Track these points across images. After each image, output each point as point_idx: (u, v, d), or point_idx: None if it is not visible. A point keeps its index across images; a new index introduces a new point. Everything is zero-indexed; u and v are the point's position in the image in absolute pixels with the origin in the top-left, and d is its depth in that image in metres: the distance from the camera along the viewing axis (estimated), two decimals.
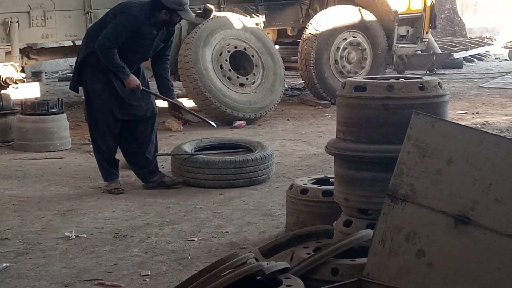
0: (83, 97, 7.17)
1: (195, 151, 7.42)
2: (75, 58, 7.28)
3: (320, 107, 12.53)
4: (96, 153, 7.21)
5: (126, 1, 7.10)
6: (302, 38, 12.77)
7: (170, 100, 7.17)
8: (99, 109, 6.95)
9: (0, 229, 5.92)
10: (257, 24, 11.92)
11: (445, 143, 3.41)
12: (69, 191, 7.19)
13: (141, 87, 6.90)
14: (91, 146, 7.41)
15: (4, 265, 5.04)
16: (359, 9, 12.84)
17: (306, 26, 12.72)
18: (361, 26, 12.81)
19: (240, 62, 11.33)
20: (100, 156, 7.14)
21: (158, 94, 7.19)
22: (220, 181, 7.12)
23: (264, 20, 12.48)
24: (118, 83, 6.86)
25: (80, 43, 12.87)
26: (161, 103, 7.76)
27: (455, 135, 3.40)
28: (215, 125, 7.62)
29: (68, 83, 17.06)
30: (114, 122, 6.99)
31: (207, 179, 7.11)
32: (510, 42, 20.82)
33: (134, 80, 6.83)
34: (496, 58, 21.07)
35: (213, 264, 3.71)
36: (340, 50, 12.72)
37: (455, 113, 11.32)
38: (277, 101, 11.41)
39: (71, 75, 7.29)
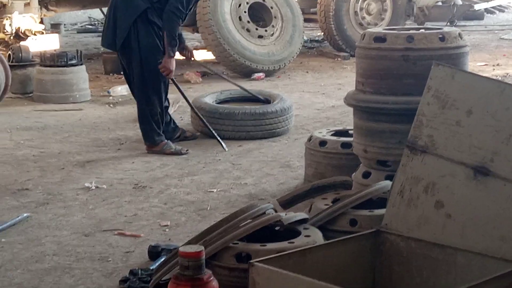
0: (131, 55, 6.60)
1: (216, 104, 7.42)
2: (107, 13, 6.87)
3: (339, 59, 12.48)
4: (148, 116, 6.68)
5: None
6: None
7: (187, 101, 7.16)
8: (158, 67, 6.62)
9: (21, 180, 5.97)
10: None
11: (465, 94, 3.38)
12: (89, 142, 7.22)
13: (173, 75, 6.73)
14: (141, 108, 6.73)
15: (25, 215, 5.09)
16: None
17: None
18: None
19: (259, 13, 11.26)
20: (153, 118, 6.68)
21: (182, 91, 7.14)
22: (239, 133, 7.12)
23: None
24: None
25: None
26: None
27: (475, 86, 3.38)
28: (226, 149, 6.82)
29: (88, 34, 17.02)
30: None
31: (226, 130, 7.10)
32: None
33: (174, 64, 6.61)
34: None
35: (232, 215, 3.73)
36: (359, 1, 12.63)
37: (475, 65, 11.24)
38: (296, 53, 11.36)
39: (106, 31, 6.77)
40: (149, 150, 6.75)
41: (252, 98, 7.65)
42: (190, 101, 7.19)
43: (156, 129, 6.72)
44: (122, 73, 10.90)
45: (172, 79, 6.80)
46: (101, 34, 17.59)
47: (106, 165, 6.41)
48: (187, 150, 6.74)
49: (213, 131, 6.92)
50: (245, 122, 7.13)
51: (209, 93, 7.71)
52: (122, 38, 6.56)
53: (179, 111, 8.23)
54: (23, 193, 5.64)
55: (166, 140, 6.76)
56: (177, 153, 6.67)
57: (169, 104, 7.02)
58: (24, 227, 4.90)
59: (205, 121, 7.00)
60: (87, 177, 6.01)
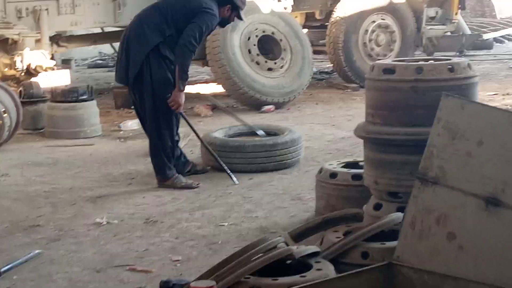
0: (142, 89, 6.62)
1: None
2: (120, 47, 6.83)
3: (349, 90, 12.49)
4: (159, 150, 6.71)
5: None
6: (330, 21, 12.72)
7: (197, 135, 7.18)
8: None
9: (32, 216, 5.98)
10: (285, 8, 11.89)
11: (475, 125, 3.38)
12: (100, 177, 7.23)
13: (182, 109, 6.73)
14: (153, 142, 6.75)
15: (36, 251, 5.08)
16: None
17: (334, 9, 12.68)
18: (390, 8, 12.74)
19: (268, 46, 11.30)
20: (164, 152, 6.71)
21: (191, 125, 7.12)
22: (250, 165, 7.12)
23: (292, 3, 12.44)
24: None
25: (107, 30, 13.03)
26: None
27: (485, 117, 3.38)
28: (237, 182, 6.79)
29: (99, 69, 17.11)
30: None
31: (237, 163, 7.09)
32: None
33: (183, 98, 6.62)
34: None
35: (243, 249, 3.73)
36: (368, 33, 12.67)
37: (485, 94, 11.22)
38: (306, 85, 11.38)
39: (119, 66, 6.81)
40: (160, 184, 6.76)
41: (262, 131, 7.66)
42: (200, 135, 7.20)
43: (167, 163, 6.73)
44: (132, 107, 11.00)
45: (181, 113, 6.81)
46: (111, 69, 17.70)
47: (117, 200, 6.41)
48: (198, 184, 6.74)
49: (223, 165, 6.92)
50: (256, 154, 7.14)
51: (218, 129, 7.69)
52: (134, 72, 6.59)
53: (189, 144, 8.24)
54: (35, 230, 5.64)
55: (177, 174, 6.77)
56: (188, 187, 6.68)
57: (179, 138, 7.03)
58: (36, 264, 4.89)
59: (215, 154, 7.00)
60: (99, 213, 6.01)
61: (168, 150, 6.73)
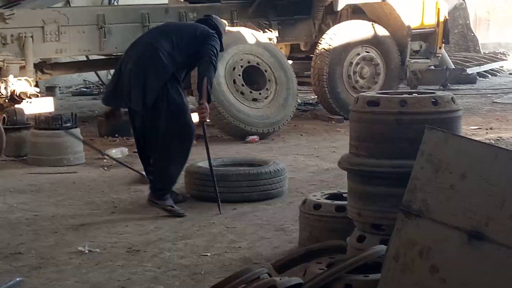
0: (153, 113, 6.68)
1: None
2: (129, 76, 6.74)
3: (333, 122, 12.53)
4: (174, 176, 6.87)
5: (192, 23, 7.31)
6: (315, 53, 12.79)
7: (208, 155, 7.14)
8: (189, 123, 6.81)
9: (14, 244, 5.94)
10: (270, 39, 11.96)
11: (459, 159, 3.40)
12: (83, 205, 7.20)
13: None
14: (163, 167, 6.81)
15: (17, 279, 5.04)
16: (372, 24, 12.86)
17: (319, 41, 12.75)
18: (374, 41, 12.82)
19: (253, 77, 11.34)
20: (176, 179, 6.90)
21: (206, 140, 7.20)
22: (234, 194, 7.10)
23: (277, 35, 12.51)
24: None
25: (92, 58, 13.03)
26: None
27: (468, 151, 3.39)
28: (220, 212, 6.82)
29: (83, 97, 17.01)
30: None
31: (221, 192, 7.05)
32: None
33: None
34: (510, 74, 21.04)
35: (226, 279, 3.71)
36: (353, 65, 12.73)
37: (468, 128, 11.29)
38: (290, 116, 11.42)
39: (135, 92, 6.66)
40: (150, 202, 6.78)
41: (246, 165, 7.67)
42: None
43: (170, 189, 6.82)
44: (117, 135, 10.94)
45: (204, 127, 6.99)
46: (96, 96, 17.54)
47: (100, 228, 6.38)
48: (183, 213, 6.71)
49: (218, 194, 6.90)
50: (239, 183, 7.13)
51: (201, 160, 7.66)
52: (153, 97, 6.62)
53: None
54: (16, 257, 5.60)
55: (169, 197, 6.80)
56: (174, 213, 6.66)
57: None
58: None
59: (215, 182, 6.95)
60: (81, 241, 5.98)
61: (177, 175, 6.87)
